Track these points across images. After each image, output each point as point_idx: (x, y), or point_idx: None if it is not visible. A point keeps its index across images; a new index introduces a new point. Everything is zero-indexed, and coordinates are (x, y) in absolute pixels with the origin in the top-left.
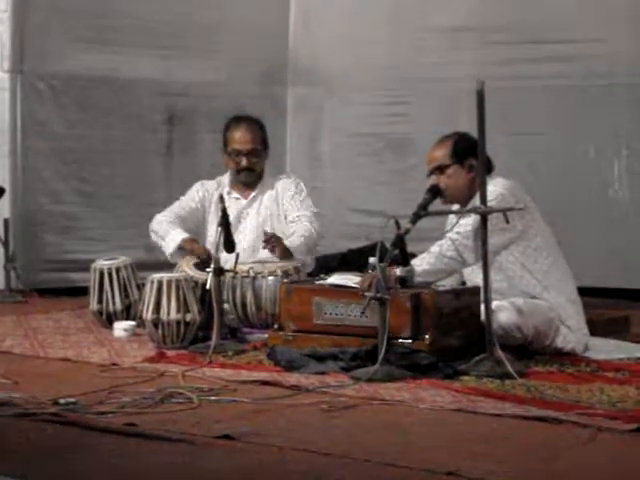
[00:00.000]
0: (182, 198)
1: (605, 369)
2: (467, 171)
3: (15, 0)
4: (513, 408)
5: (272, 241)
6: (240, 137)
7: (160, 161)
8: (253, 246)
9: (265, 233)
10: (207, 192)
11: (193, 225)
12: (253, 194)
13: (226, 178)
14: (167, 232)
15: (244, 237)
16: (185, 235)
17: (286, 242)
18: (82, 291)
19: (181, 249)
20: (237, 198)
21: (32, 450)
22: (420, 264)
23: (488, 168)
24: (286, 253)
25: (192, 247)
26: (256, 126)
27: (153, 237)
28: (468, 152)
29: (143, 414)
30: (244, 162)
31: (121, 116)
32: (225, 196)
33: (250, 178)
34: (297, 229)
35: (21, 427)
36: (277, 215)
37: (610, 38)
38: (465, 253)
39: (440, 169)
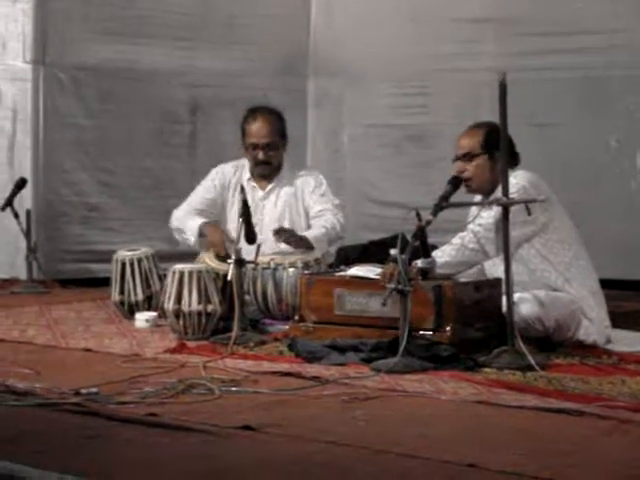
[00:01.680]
0: (199, 188)
1: (627, 361)
2: (494, 163)
3: None
4: (534, 400)
5: (282, 234)
6: (257, 130)
7: (182, 152)
8: (269, 238)
9: (275, 228)
10: (225, 178)
11: (213, 216)
12: (270, 186)
13: (247, 163)
14: (185, 224)
15: (260, 229)
16: (203, 220)
17: (306, 233)
18: (104, 282)
19: (202, 235)
20: (254, 187)
21: (53, 440)
22: (441, 256)
23: (515, 162)
24: (303, 244)
25: (210, 236)
26: (273, 118)
27: (175, 235)
28: (498, 145)
29: (164, 405)
30: (261, 155)
31: (143, 107)
32: (244, 183)
33: (267, 171)
34: (319, 222)
35: (43, 417)
36: (296, 209)
37: (631, 28)
38: (487, 245)
39: (468, 157)
